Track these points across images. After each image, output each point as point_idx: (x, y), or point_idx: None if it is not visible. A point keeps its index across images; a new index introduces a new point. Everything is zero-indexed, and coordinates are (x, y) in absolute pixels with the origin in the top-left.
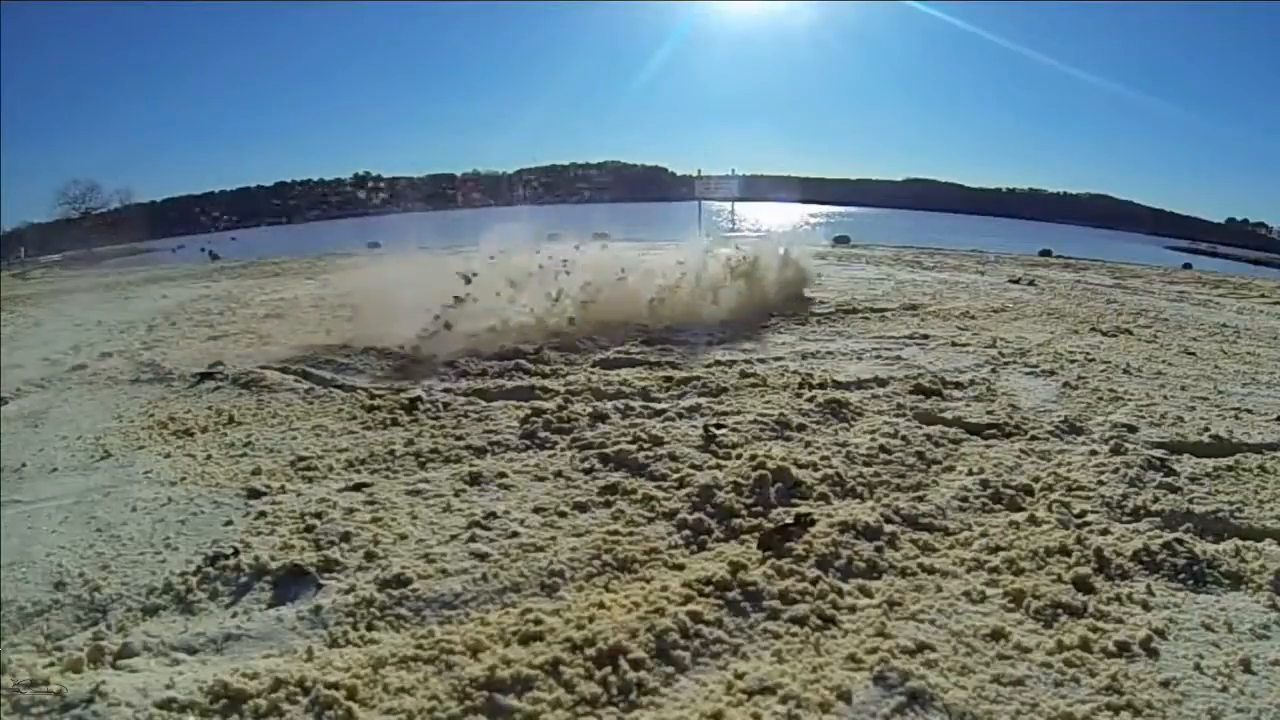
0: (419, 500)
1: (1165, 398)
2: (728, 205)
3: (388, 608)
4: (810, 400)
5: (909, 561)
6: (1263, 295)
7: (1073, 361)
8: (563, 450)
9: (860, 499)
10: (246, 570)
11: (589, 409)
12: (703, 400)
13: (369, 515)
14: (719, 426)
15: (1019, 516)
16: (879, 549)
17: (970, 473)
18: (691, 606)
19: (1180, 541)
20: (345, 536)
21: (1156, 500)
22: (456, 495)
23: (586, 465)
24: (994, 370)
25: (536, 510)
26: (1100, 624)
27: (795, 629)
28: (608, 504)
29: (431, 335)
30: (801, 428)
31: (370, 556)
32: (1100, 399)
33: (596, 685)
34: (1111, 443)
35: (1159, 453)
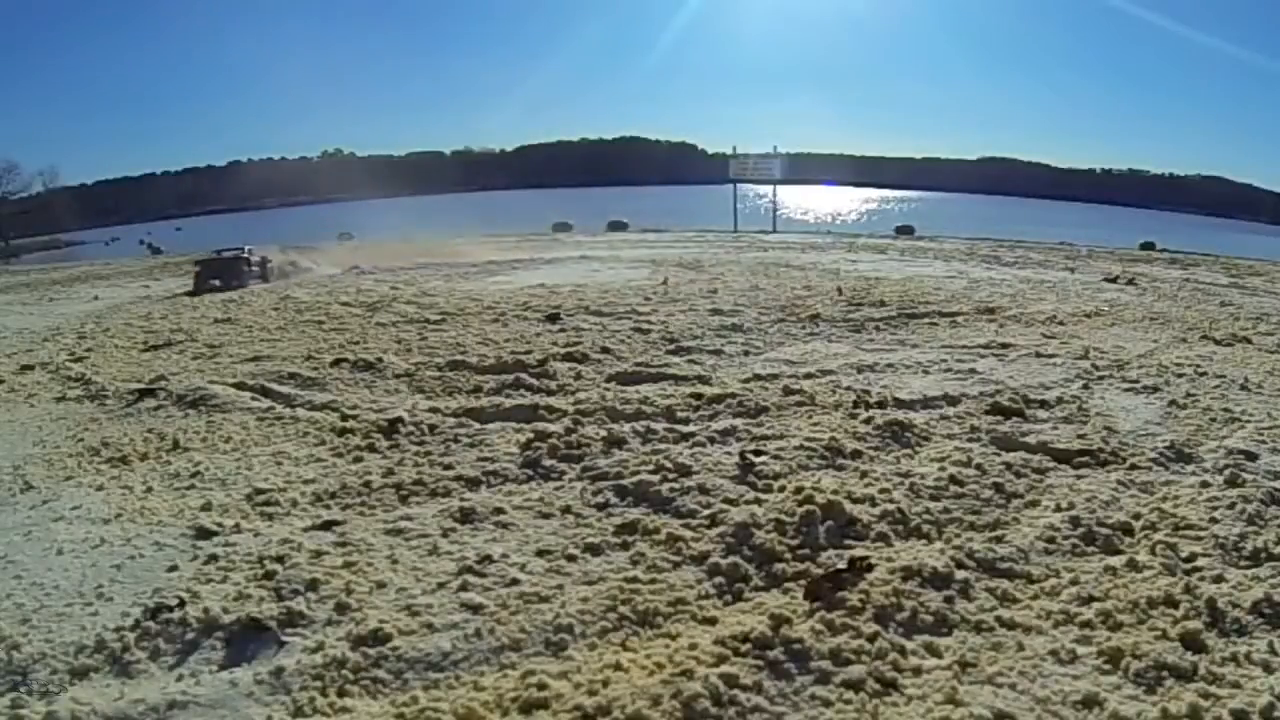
0: (400, 541)
1: None
2: (768, 189)
3: (363, 669)
4: (867, 422)
5: (985, 614)
6: None
7: (1180, 375)
8: (571, 481)
9: (927, 540)
10: (194, 625)
11: (603, 432)
12: (738, 422)
13: (340, 559)
14: (758, 453)
15: (1116, 561)
16: (949, 599)
17: (1058, 509)
18: (725, 668)
19: None
20: (312, 584)
21: None
22: (445, 535)
23: (600, 499)
24: (1086, 386)
25: (540, 553)
26: (1213, 689)
27: (849, 695)
28: (625, 546)
29: None
30: (857, 455)
31: (342, 608)
32: (1213, 420)
33: None
34: (1227, 472)
35: None
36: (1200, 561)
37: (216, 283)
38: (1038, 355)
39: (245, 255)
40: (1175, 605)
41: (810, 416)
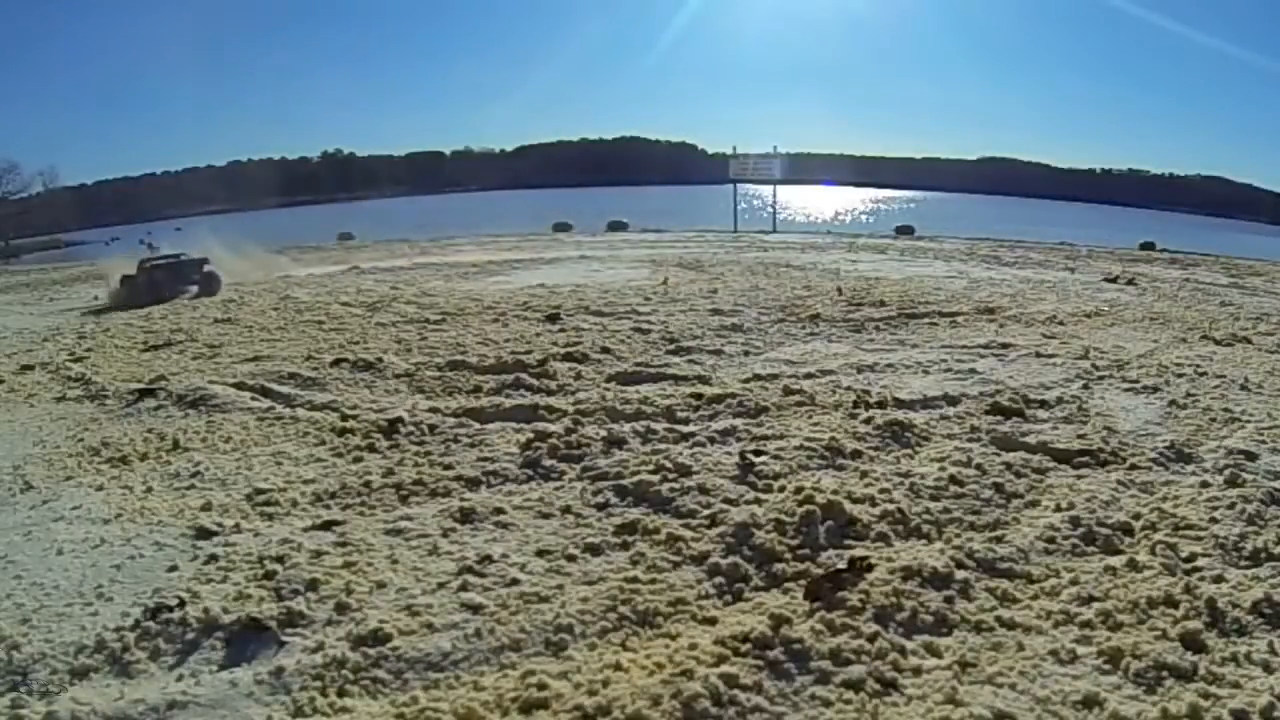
0: (400, 541)
1: None
2: (768, 189)
3: (363, 669)
4: (867, 422)
5: (985, 614)
6: None
7: (1180, 375)
8: (571, 481)
9: (927, 540)
10: (194, 625)
11: (603, 432)
12: (738, 422)
13: (340, 559)
14: (758, 453)
15: (1116, 561)
16: (949, 599)
17: (1058, 509)
18: (725, 668)
19: None
20: (312, 584)
21: None
22: (445, 535)
23: (600, 499)
24: (1086, 386)
25: (540, 553)
26: (1213, 689)
27: (849, 695)
28: (625, 546)
29: None
30: (857, 455)
31: (342, 608)
32: (1213, 420)
33: None
34: (1227, 472)
35: None
36: (1200, 561)
37: (187, 289)
38: (1038, 355)
39: (193, 260)
40: (1175, 605)
41: (810, 416)
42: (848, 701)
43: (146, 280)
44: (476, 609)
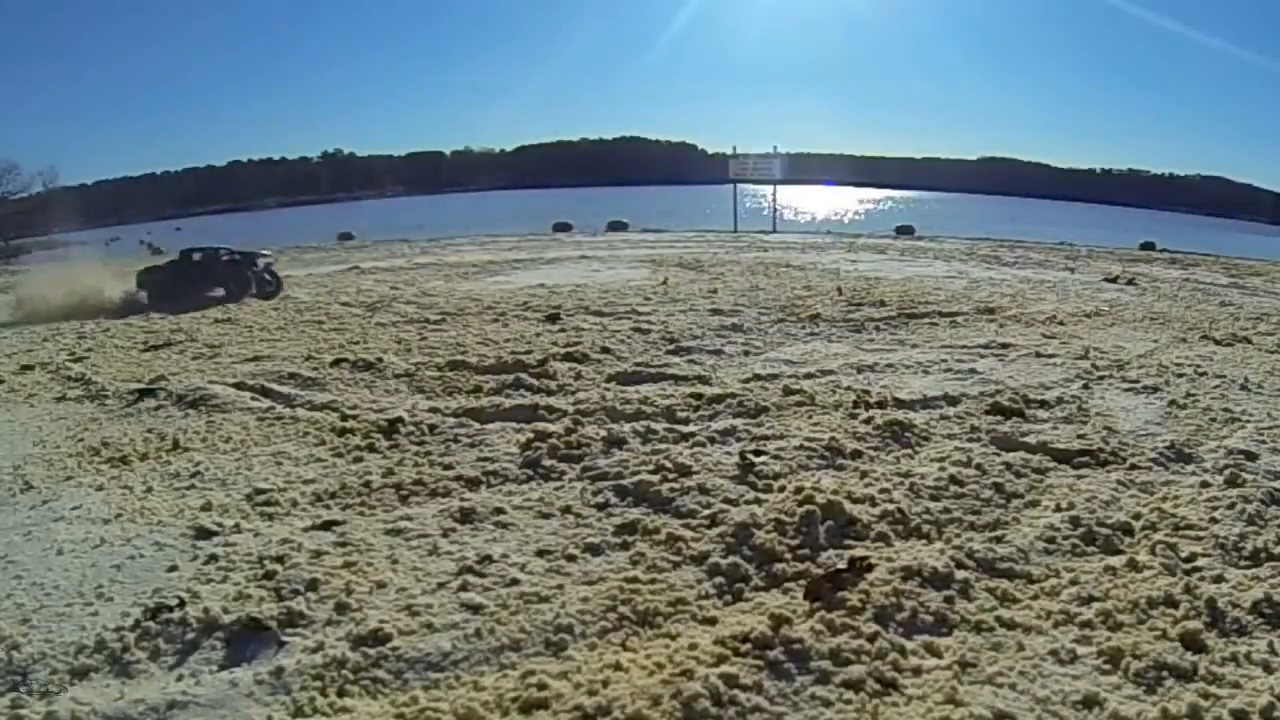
0: (400, 541)
1: None
2: (768, 189)
3: (363, 669)
4: (867, 422)
5: (985, 614)
6: None
7: (1180, 375)
8: (571, 481)
9: (927, 540)
10: (194, 625)
11: (603, 432)
12: (738, 422)
13: (340, 559)
14: (758, 453)
15: (1116, 561)
16: (949, 599)
17: (1058, 509)
18: (725, 668)
19: None
20: (312, 584)
21: None
22: (445, 535)
23: (600, 499)
24: (1086, 386)
25: (540, 553)
26: (1213, 689)
27: (849, 695)
28: (625, 546)
29: None
30: (857, 455)
31: (342, 608)
32: (1213, 420)
33: None
34: (1227, 472)
35: None
36: (1200, 561)
37: (221, 291)
38: (1038, 355)
39: (248, 255)
40: (1175, 605)
41: (810, 416)
42: (848, 701)
43: (208, 274)
44: (476, 609)
